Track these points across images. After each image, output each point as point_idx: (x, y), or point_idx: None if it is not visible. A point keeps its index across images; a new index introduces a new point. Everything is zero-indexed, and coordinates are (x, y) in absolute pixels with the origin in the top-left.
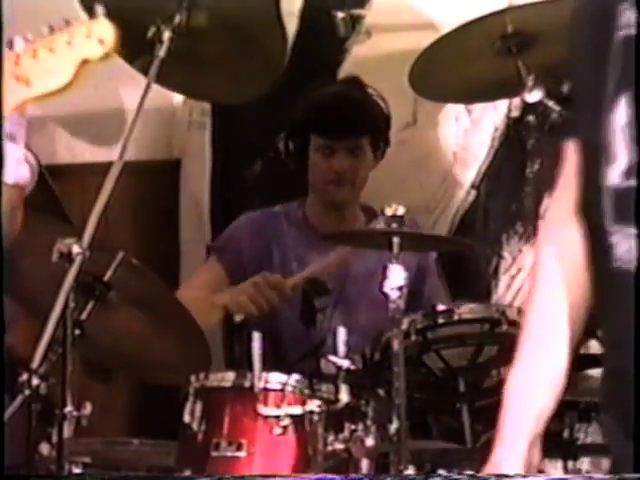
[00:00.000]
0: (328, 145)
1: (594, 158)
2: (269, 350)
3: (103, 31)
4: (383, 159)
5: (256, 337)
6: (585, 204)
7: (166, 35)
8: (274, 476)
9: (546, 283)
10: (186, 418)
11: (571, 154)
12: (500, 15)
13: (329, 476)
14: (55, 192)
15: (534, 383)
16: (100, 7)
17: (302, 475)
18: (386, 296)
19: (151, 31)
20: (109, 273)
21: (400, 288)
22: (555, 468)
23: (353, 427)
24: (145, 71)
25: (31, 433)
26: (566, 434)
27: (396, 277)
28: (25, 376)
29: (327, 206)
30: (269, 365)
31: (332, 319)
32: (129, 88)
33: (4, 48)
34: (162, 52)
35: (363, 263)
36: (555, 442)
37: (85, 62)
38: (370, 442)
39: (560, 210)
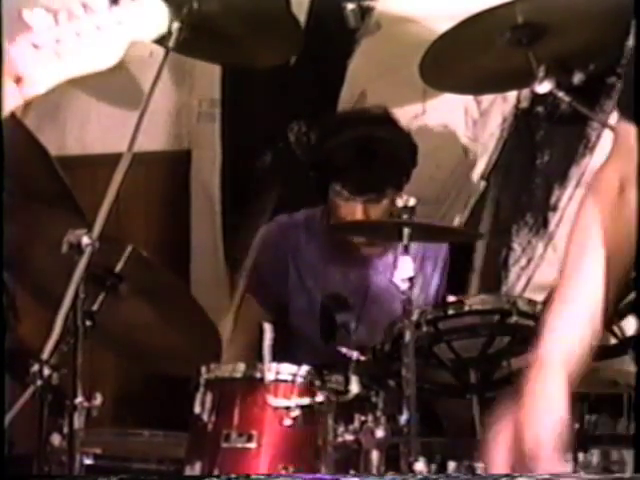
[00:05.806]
0: (348, 196)
1: None
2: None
3: (156, 11)
4: None
5: (267, 328)
6: None
7: (175, 26)
8: (278, 476)
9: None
10: (196, 409)
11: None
12: (510, 6)
13: (326, 476)
14: (66, 184)
15: (569, 319)
16: None
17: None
18: (396, 287)
19: None
20: (120, 265)
21: (410, 279)
22: (566, 460)
23: (363, 418)
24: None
25: (43, 423)
26: (576, 426)
27: (406, 268)
28: (37, 367)
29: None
30: None
31: (356, 334)
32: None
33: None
34: (171, 43)
35: (384, 277)
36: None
37: (135, 44)
38: (380, 433)
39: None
